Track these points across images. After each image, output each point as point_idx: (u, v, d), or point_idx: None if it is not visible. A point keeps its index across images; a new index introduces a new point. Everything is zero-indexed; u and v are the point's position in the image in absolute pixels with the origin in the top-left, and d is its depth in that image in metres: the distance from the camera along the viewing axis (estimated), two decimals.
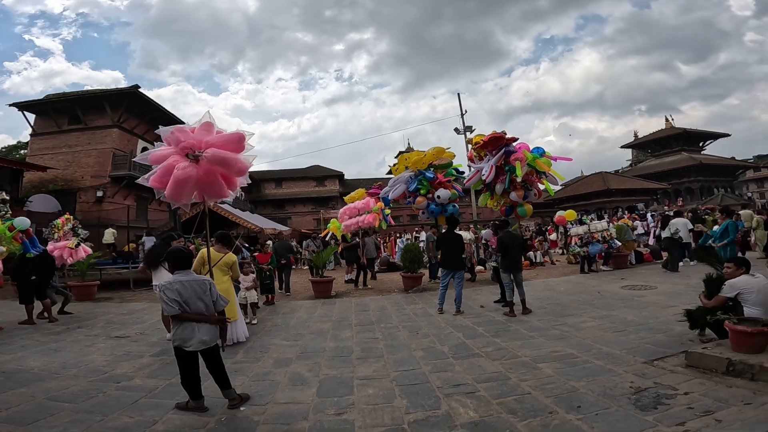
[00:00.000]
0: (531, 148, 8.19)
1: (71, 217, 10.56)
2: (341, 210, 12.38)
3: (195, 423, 2.96)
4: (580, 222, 12.48)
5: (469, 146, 9.20)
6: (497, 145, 8.09)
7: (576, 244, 11.12)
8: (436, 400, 3.24)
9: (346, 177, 40.70)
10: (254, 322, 6.56)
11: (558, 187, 8.73)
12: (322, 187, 39.36)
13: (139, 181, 4.11)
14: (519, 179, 7.93)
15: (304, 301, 8.99)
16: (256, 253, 8.77)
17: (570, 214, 13.26)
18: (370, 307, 7.72)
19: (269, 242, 11.19)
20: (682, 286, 7.79)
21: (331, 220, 13.75)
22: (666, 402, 2.98)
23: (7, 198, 10.53)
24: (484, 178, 7.96)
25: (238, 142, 3.96)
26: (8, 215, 9.39)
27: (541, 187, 8.49)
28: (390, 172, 14.92)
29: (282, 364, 4.39)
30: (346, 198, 16.08)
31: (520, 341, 4.82)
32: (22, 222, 7.84)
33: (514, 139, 8.28)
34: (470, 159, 9.13)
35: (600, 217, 9.02)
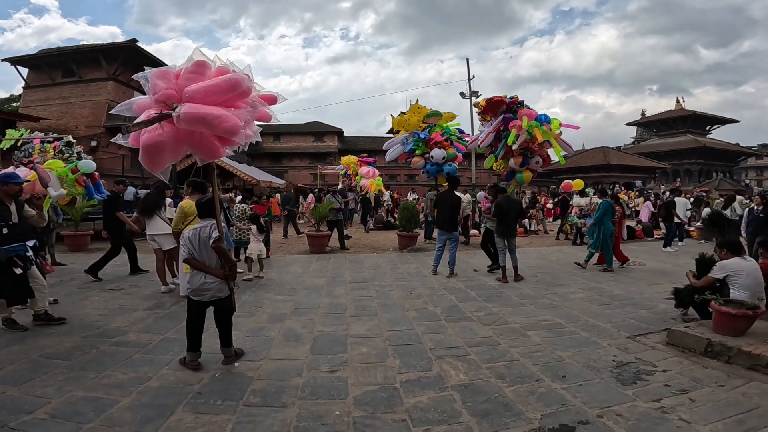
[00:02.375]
0: (536, 115, 8.02)
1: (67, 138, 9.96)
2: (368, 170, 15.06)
3: (190, 379, 3.00)
4: (581, 194, 12.47)
5: (475, 110, 9.06)
6: (497, 109, 8.01)
7: (576, 214, 11.17)
8: (428, 361, 3.35)
9: (345, 134, 39.87)
10: (262, 275, 6.61)
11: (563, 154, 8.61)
12: (320, 142, 38.61)
13: (115, 140, 3.14)
14: (514, 147, 7.94)
15: (299, 255, 9.08)
16: (252, 205, 8.71)
17: (578, 184, 13.21)
18: (365, 265, 7.82)
19: (278, 195, 12.23)
20: (669, 264, 7.95)
21: (374, 179, 15.23)
22: (645, 378, 3.08)
23: (74, 140, 10.06)
24: (479, 143, 7.94)
25: (229, 89, 2.95)
26: (73, 158, 8.96)
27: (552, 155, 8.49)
28: (391, 131, 14.70)
29: (276, 319, 4.48)
30: (342, 160, 16.16)
31: (511, 308, 4.95)
32: (88, 165, 7.36)
33: (517, 102, 8.08)
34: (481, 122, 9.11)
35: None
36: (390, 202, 19.64)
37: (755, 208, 7.19)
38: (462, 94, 18.17)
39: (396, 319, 4.49)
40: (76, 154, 9.36)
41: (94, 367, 3.18)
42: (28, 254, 3.94)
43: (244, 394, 2.77)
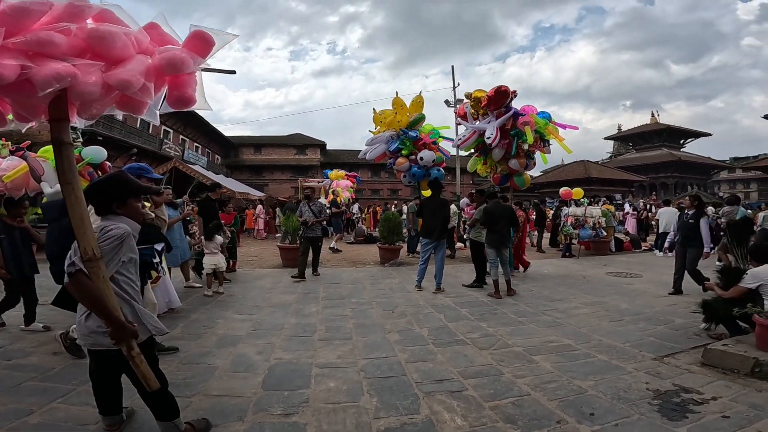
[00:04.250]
0: (537, 111, 7.42)
1: None
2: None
3: (86, 417, 2.20)
4: (576, 203, 11.99)
5: (466, 100, 8.18)
6: (501, 102, 7.10)
7: (570, 224, 10.69)
8: (414, 399, 2.57)
9: (328, 147, 39.27)
10: (221, 291, 5.74)
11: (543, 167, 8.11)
12: (302, 155, 37.89)
13: None
14: (526, 146, 7.14)
15: (270, 269, 8.21)
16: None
17: (578, 192, 12.77)
18: (342, 280, 7.01)
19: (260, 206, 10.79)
20: (667, 276, 7.45)
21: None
22: (695, 410, 2.46)
23: (77, 125, 8.84)
24: (489, 141, 6.95)
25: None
26: (78, 143, 7.60)
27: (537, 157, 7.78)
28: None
29: (227, 343, 3.63)
30: (330, 175, 15.38)
31: (509, 327, 4.23)
32: (97, 153, 5.93)
33: (514, 94, 7.32)
34: (461, 115, 8.17)
35: (594, 203, 8.55)
36: (359, 215, 19.04)
37: (686, 212, 6.34)
38: (447, 102, 17.81)
39: (374, 344, 3.70)
40: (80, 140, 7.88)
41: None
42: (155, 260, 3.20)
43: None
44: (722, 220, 8.15)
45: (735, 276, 3.76)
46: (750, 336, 3.34)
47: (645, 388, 2.75)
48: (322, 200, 13.13)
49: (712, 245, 6.08)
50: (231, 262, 7.47)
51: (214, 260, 5.58)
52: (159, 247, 3.30)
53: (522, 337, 3.88)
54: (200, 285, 5.87)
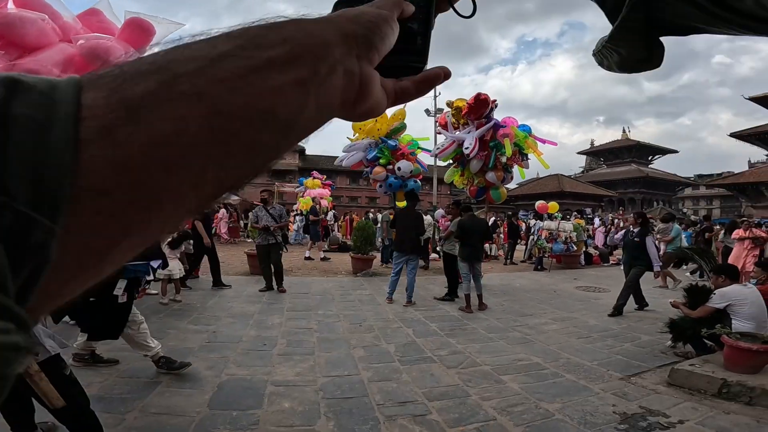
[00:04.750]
0: (518, 124, 7.42)
1: None
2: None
3: None
4: (550, 217, 12.15)
5: (447, 109, 8.06)
6: (481, 112, 7.04)
7: (545, 237, 10.81)
8: (374, 424, 2.39)
9: (307, 153, 38.81)
10: (179, 299, 5.40)
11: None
12: (280, 159, 37.31)
13: None
14: (504, 159, 7.10)
15: (236, 276, 7.85)
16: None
17: (553, 206, 12.98)
18: (311, 290, 6.76)
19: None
20: None
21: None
22: None
23: None
24: (467, 152, 6.87)
25: None
26: None
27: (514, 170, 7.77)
28: None
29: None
30: (306, 183, 15.04)
31: (479, 344, 4.11)
32: None
33: (494, 104, 7.28)
34: (442, 125, 8.09)
35: (566, 218, 8.69)
36: (332, 222, 18.82)
37: (631, 230, 6.10)
38: (427, 112, 17.88)
39: (337, 360, 3.49)
40: None
41: None
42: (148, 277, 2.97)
43: None
44: (658, 236, 8.35)
45: (701, 295, 3.78)
46: (717, 355, 3.34)
47: (612, 411, 2.68)
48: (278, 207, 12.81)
49: (660, 263, 5.99)
50: (195, 269, 7.11)
51: (170, 266, 5.25)
52: (156, 264, 3.02)
53: (491, 355, 3.77)
54: (156, 292, 5.52)
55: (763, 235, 7.41)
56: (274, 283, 6.52)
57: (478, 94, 7.09)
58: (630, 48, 0.46)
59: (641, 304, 5.93)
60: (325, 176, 17.68)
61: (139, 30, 1.70)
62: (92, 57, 1.58)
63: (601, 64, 0.52)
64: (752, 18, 0.37)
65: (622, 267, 6.55)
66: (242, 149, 0.21)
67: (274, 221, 6.55)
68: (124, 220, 0.18)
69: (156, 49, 0.21)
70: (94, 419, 1.87)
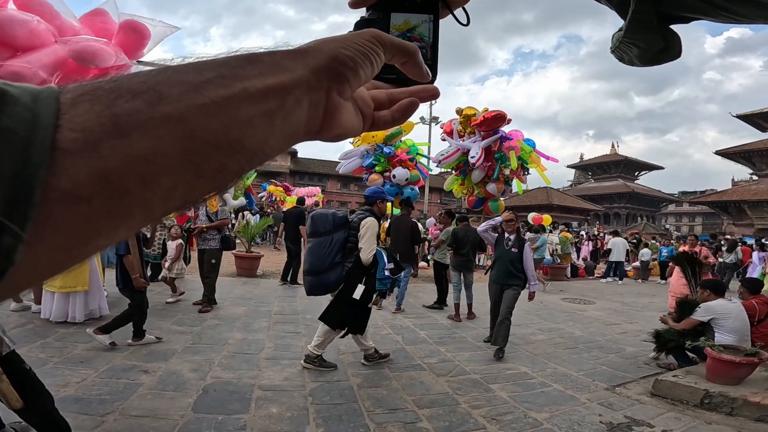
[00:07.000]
0: (524, 138, 7.47)
1: None
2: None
3: None
4: (542, 229, 12.36)
5: (455, 117, 8.00)
6: (495, 126, 7.07)
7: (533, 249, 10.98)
8: (365, 431, 2.37)
9: (300, 155, 38.66)
10: (174, 299, 5.44)
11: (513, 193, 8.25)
12: (272, 161, 36.85)
13: None
14: (508, 171, 7.17)
15: (224, 277, 7.73)
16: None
17: (547, 219, 13.15)
18: (299, 294, 6.68)
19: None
20: (617, 303, 7.80)
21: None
22: None
23: None
24: (473, 161, 6.87)
25: None
26: None
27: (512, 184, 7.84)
28: None
29: (157, 357, 3.28)
30: (269, 188, 14.89)
31: (468, 352, 4.12)
32: None
33: (509, 122, 7.35)
34: (447, 132, 8.06)
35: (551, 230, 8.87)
36: None
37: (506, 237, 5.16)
38: (422, 119, 17.96)
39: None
40: None
41: None
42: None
43: None
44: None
45: (690, 308, 3.86)
46: (699, 367, 3.40)
47: (598, 421, 2.70)
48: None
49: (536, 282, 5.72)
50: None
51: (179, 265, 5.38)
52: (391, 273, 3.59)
53: (479, 364, 3.78)
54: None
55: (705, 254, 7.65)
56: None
57: (498, 112, 7.18)
58: (647, 39, 0.47)
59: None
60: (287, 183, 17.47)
61: (133, 32, 1.69)
62: (79, 59, 1.56)
63: (621, 59, 0.53)
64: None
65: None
66: (210, 171, 0.23)
67: (208, 220, 5.47)
68: (98, 224, 0.19)
69: (150, 57, 0.23)
70: (59, 421, 1.82)
